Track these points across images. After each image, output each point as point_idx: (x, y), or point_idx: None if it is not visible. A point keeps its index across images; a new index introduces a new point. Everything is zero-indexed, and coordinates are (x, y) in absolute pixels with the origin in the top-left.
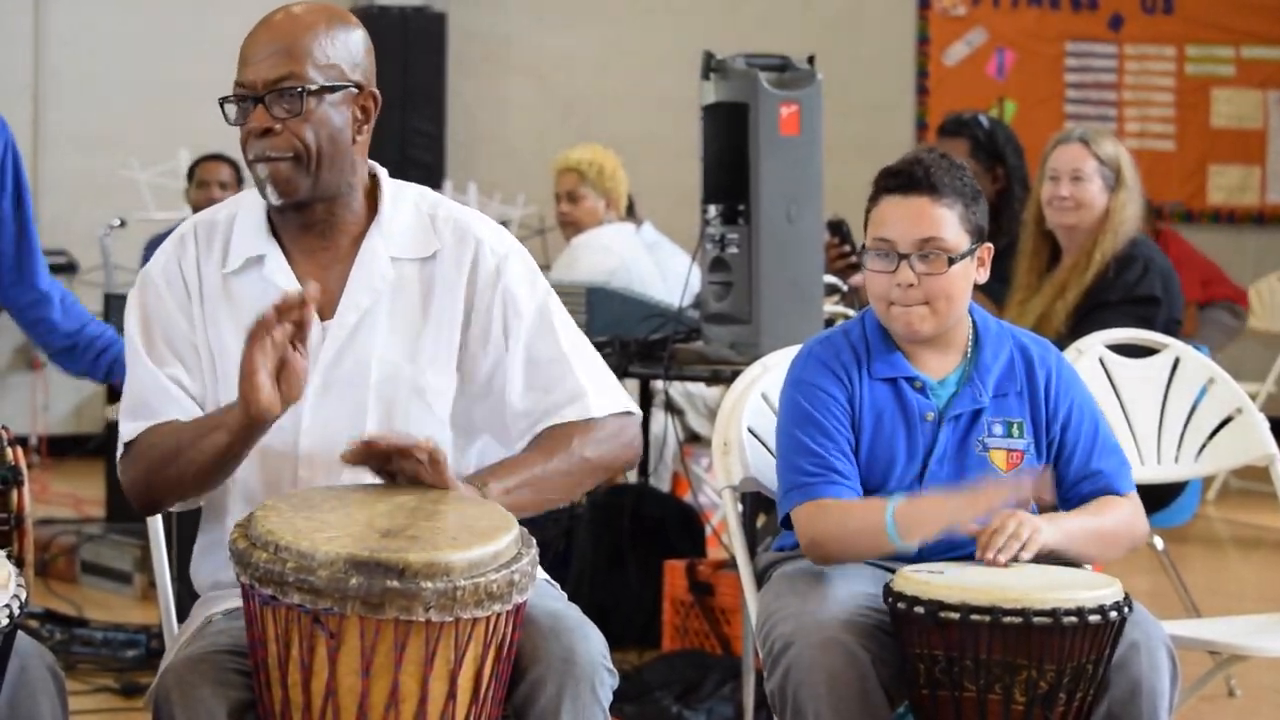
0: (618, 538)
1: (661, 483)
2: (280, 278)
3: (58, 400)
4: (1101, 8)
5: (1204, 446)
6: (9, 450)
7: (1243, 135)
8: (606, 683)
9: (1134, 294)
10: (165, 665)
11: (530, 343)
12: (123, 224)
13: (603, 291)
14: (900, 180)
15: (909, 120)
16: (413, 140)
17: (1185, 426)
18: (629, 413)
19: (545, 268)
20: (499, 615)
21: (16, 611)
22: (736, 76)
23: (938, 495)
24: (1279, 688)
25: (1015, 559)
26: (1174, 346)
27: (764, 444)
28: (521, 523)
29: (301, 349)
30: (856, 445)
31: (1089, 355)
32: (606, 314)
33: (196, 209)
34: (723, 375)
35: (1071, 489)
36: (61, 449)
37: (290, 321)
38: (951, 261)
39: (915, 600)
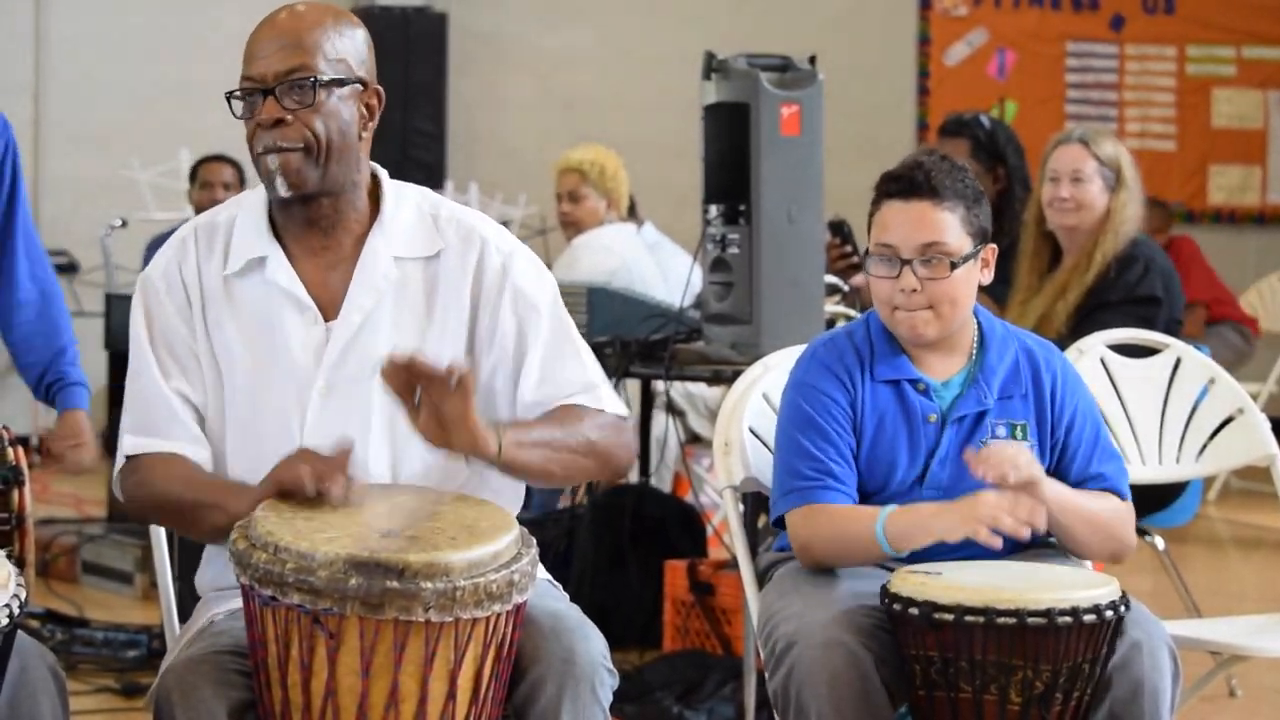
0: (619, 538)
1: (663, 483)
2: (282, 278)
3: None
4: (1102, 8)
5: (1205, 446)
6: (10, 450)
7: (1243, 135)
8: (607, 683)
9: (1135, 294)
10: (166, 665)
11: (548, 341)
12: (124, 224)
13: (604, 292)
14: (901, 185)
15: (910, 120)
16: (414, 140)
17: (1186, 426)
18: (625, 417)
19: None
20: (499, 615)
21: (17, 611)
22: (737, 77)
23: (929, 506)
24: None
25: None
26: (1175, 346)
27: (765, 444)
28: (521, 523)
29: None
30: (858, 447)
31: (1090, 355)
32: (607, 314)
33: (199, 210)
34: (724, 375)
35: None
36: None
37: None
38: (954, 266)
39: (910, 601)
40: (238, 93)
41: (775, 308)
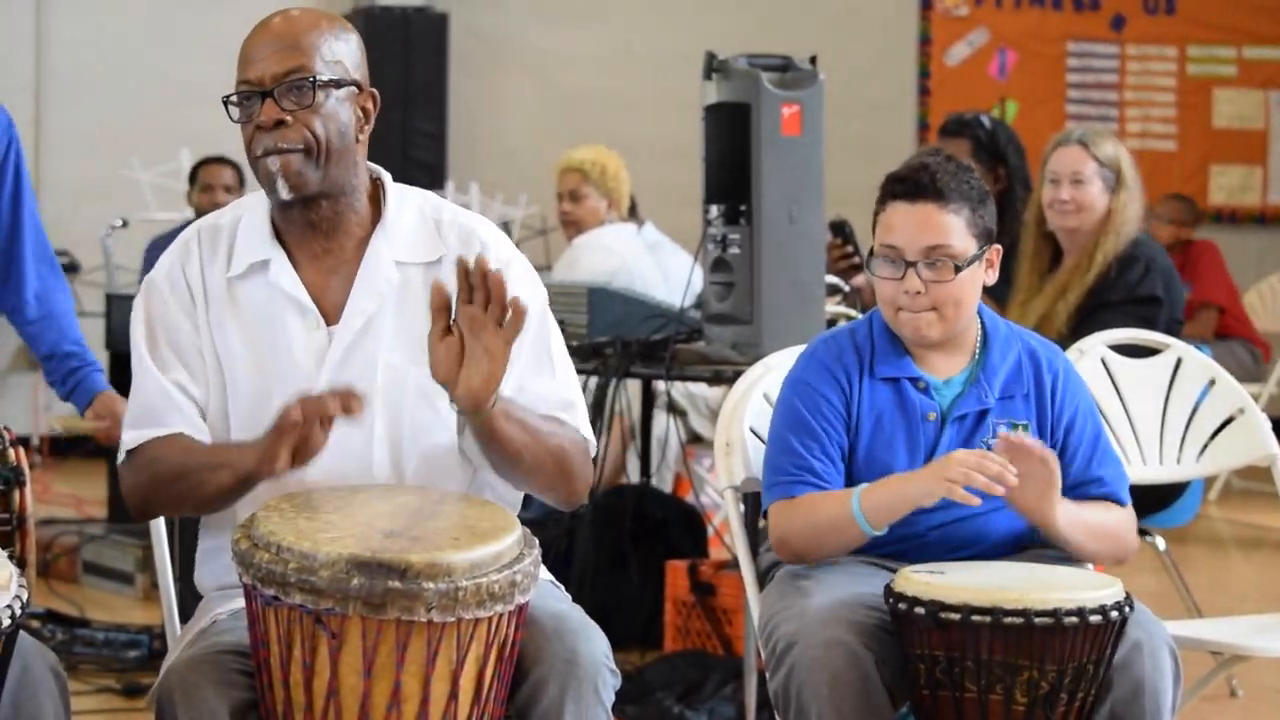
0: (620, 538)
1: (664, 483)
2: (285, 282)
3: (60, 400)
4: (1103, 8)
5: (1206, 446)
6: (11, 451)
7: (1244, 135)
8: (609, 683)
9: (1136, 294)
10: (168, 665)
11: (530, 354)
12: (124, 224)
13: (604, 292)
14: (907, 187)
15: (911, 120)
16: (414, 141)
17: (1187, 427)
18: (592, 445)
19: (547, 268)
20: (501, 616)
21: (18, 612)
22: (738, 77)
23: (900, 475)
24: None
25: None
26: (1176, 347)
27: (766, 444)
28: (523, 523)
29: (328, 428)
30: (855, 446)
31: (1091, 355)
32: (608, 314)
33: (200, 212)
34: (724, 376)
35: (1072, 492)
36: (63, 449)
37: (333, 413)
38: (959, 269)
39: (916, 601)
40: (234, 97)
41: (776, 308)
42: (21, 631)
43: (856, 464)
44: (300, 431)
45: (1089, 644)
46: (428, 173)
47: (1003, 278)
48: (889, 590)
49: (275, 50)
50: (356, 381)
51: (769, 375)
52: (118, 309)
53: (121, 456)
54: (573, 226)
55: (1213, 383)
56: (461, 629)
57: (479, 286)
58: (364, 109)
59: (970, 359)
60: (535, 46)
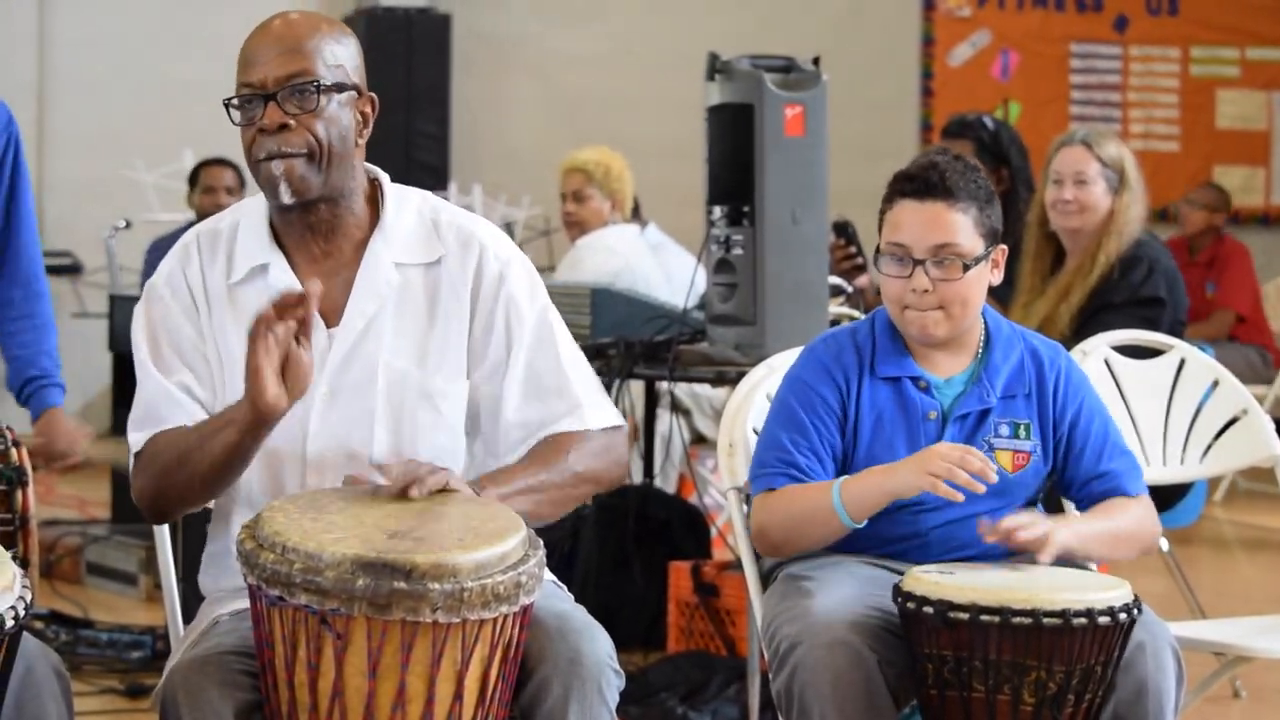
0: (623, 539)
1: (667, 484)
2: (285, 285)
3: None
4: (1106, 9)
5: (1209, 448)
6: (13, 451)
7: (1247, 136)
8: (613, 684)
9: (1139, 295)
10: (171, 666)
11: (530, 354)
12: (128, 225)
13: (607, 292)
14: (916, 185)
15: (914, 121)
16: (417, 142)
17: (1190, 428)
18: (617, 426)
19: (550, 269)
20: (506, 617)
21: (22, 613)
22: (741, 78)
23: (881, 467)
24: None
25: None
26: (1179, 348)
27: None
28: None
29: (306, 344)
30: (855, 445)
31: (1094, 357)
32: (611, 315)
33: (201, 214)
34: (727, 376)
35: (1082, 489)
36: None
37: (292, 319)
38: (966, 268)
39: (924, 600)
40: (235, 100)
41: (779, 309)
42: (25, 632)
43: (857, 463)
44: (280, 346)
45: (1097, 645)
46: (431, 174)
47: (1005, 278)
48: (897, 589)
49: (277, 53)
50: (357, 383)
51: (772, 376)
52: (121, 310)
53: (131, 462)
54: (576, 227)
55: (1216, 384)
56: (466, 630)
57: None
58: (363, 113)
59: (973, 358)
60: (538, 47)
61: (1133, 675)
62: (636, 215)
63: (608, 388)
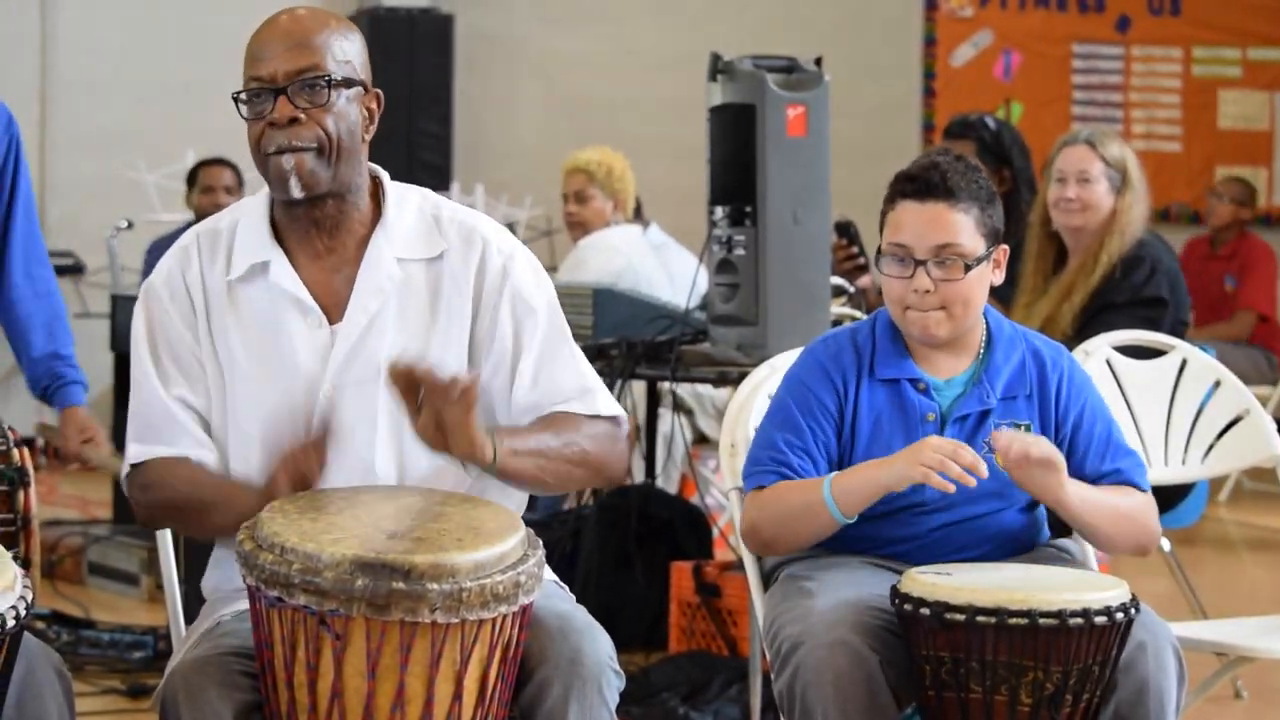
0: (624, 539)
1: (669, 484)
2: (286, 282)
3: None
4: (1108, 9)
5: (1210, 448)
6: (15, 452)
7: (1250, 137)
8: (613, 684)
9: (1141, 295)
10: (172, 667)
11: (543, 344)
12: (130, 226)
13: (609, 293)
14: (917, 185)
15: (915, 122)
16: (420, 142)
17: (1192, 428)
18: (621, 421)
19: (552, 269)
20: (505, 617)
21: (23, 613)
22: (743, 78)
23: (873, 461)
24: None
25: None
26: (1181, 348)
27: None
28: (527, 524)
29: (323, 461)
30: (853, 447)
31: (1096, 357)
32: (613, 315)
33: (200, 214)
34: (729, 377)
35: None
36: None
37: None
38: (968, 268)
39: (921, 602)
40: (244, 94)
41: (781, 309)
42: (26, 632)
43: (854, 464)
44: (299, 469)
45: (1094, 645)
46: (433, 174)
47: (1007, 279)
48: (895, 591)
49: (287, 48)
50: (360, 380)
51: (774, 376)
52: (122, 310)
53: (125, 469)
54: (578, 228)
55: (1218, 384)
56: (466, 630)
57: (410, 382)
58: (369, 109)
59: (974, 359)
60: (540, 48)
61: (1134, 675)
62: (639, 215)
63: (610, 388)
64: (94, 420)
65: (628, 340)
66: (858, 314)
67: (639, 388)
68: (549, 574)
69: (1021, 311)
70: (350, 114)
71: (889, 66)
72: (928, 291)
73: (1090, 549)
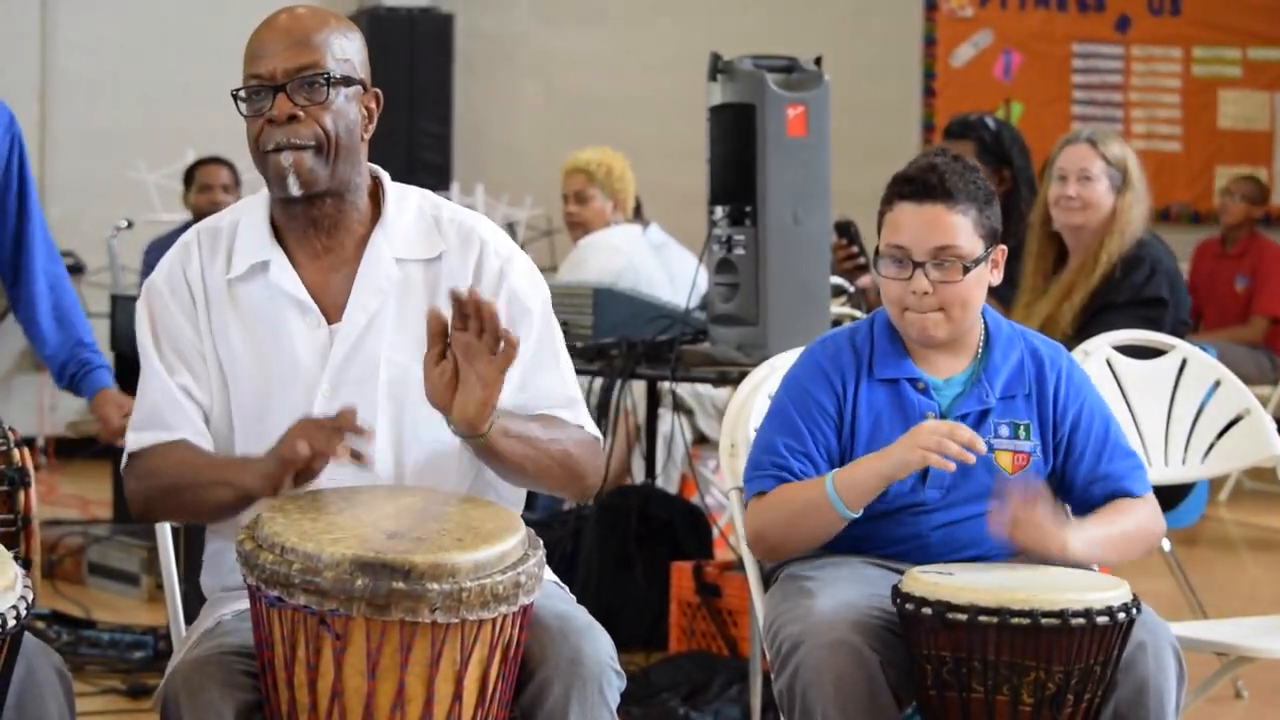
0: (625, 539)
1: (669, 484)
2: (285, 281)
3: (65, 401)
4: (1108, 9)
5: (1211, 448)
6: (16, 452)
7: (1250, 137)
8: (614, 684)
9: (1141, 295)
10: (173, 666)
11: (535, 347)
12: (130, 225)
13: (610, 292)
14: (915, 187)
15: (916, 121)
16: (420, 142)
17: (1192, 428)
18: (599, 439)
19: (552, 269)
20: (505, 617)
21: (23, 613)
22: (743, 78)
23: (870, 455)
24: None
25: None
26: (1181, 348)
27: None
28: (528, 524)
29: (326, 460)
30: (853, 447)
31: (1096, 357)
32: (614, 315)
33: (198, 212)
34: (730, 377)
35: (1084, 491)
36: (68, 450)
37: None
38: (966, 269)
39: (923, 601)
40: (243, 91)
41: (781, 309)
42: (26, 633)
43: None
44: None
45: (1096, 645)
46: (433, 174)
47: (1007, 279)
48: (896, 590)
49: (286, 45)
50: (358, 379)
51: (774, 376)
52: (122, 310)
53: (125, 460)
54: (578, 228)
55: (1218, 384)
56: (466, 630)
57: (473, 315)
58: (368, 108)
59: (973, 359)
60: (540, 47)
61: (1134, 675)
62: (639, 215)
63: (610, 388)
64: (124, 398)
65: (628, 340)
66: (858, 314)
67: (639, 388)
68: (549, 574)
69: (1022, 311)
70: (349, 112)
71: (889, 66)
72: (926, 293)
73: None
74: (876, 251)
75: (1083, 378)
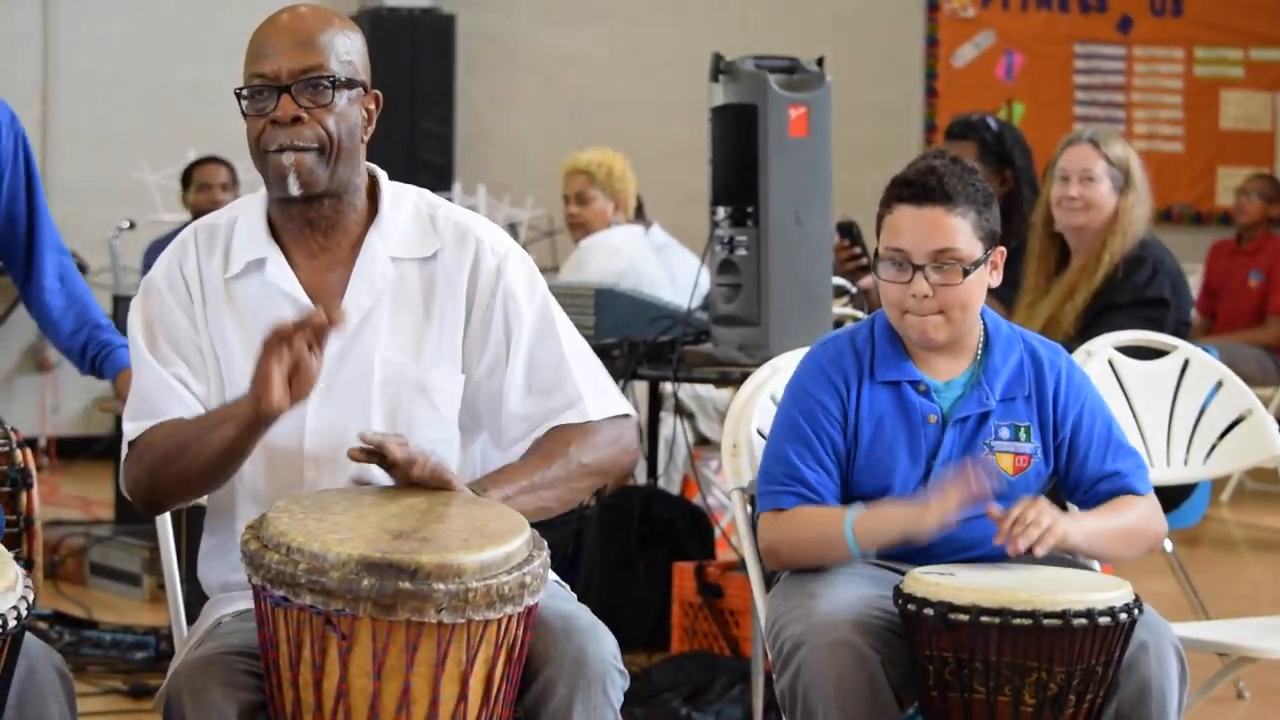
0: (627, 540)
1: (671, 485)
2: (282, 281)
3: (67, 402)
4: (1110, 10)
5: (1213, 448)
6: (18, 452)
7: (1251, 137)
8: (618, 684)
9: (1143, 295)
10: (175, 666)
11: (531, 346)
12: (132, 226)
13: (611, 293)
14: (914, 190)
15: (918, 122)
16: (422, 142)
17: (1194, 428)
18: (626, 415)
19: (554, 269)
20: (510, 617)
21: (24, 613)
22: (745, 78)
23: (895, 502)
24: None
25: (1032, 549)
26: (1183, 348)
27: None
28: (531, 525)
29: (318, 352)
30: (855, 449)
31: (1098, 357)
32: (615, 315)
33: (198, 212)
34: (731, 377)
35: (1088, 491)
36: (70, 451)
37: (310, 336)
38: (966, 272)
39: (925, 602)
40: (246, 90)
41: (783, 309)
42: (28, 633)
43: (856, 467)
44: (292, 355)
45: (1098, 646)
46: (435, 174)
47: (1010, 280)
48: (898, 591)
49: (291, 46)
50: (353, 378)
51: (776, 377)
52: (124, 310)
53: (124, 451)
54: (580, 228)
55: (1220, 384)
56: (471, 630)
57: (380, 462)
58: (368, 110)
59: (972, 361)
60: (542, 48)
61: (1136, 675)
62: (640, 216)
63: None
64: None
65: (630, 341)
66: (859, 314)
67: (640, 388)
68: (552, 574)
69: (1024, 312)
70: (352, 115)
71: (891, 67)
72: (926, 296)
73: None
74: (876, 253)
75: (1082, 378)
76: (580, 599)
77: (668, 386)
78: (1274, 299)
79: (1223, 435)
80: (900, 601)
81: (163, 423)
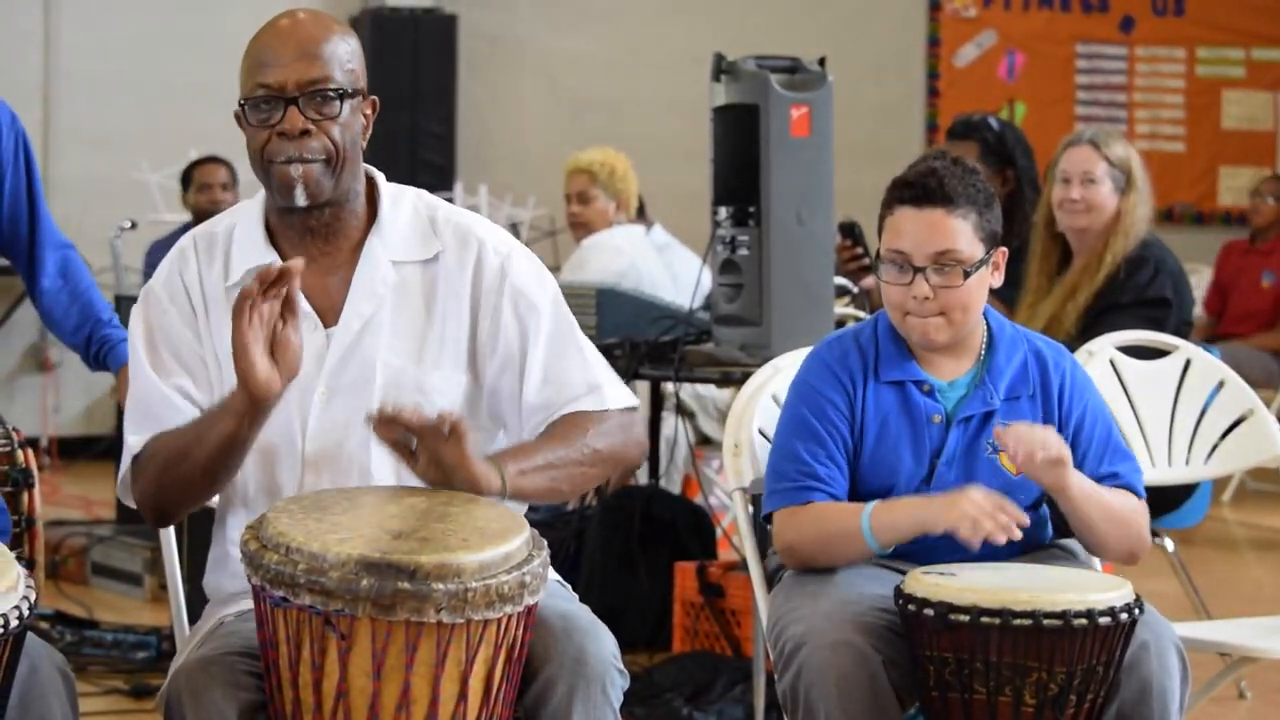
0: (628, 539)
1: (672, 485)
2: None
3: (68, 402)
4: (1112, 9)
5: (1214, 448)
6: (19, 452)
7: (1253, 137)
8: (618, 684)
9: (1145, 296)
10: (176, 667)
11: (549, 339)
12: (133, 226)
13: (613, 293)
14: (915, 191)
15: (919, 122)
16: (423, 142)
17: (1196, 428)
18: (635, 408)
19: (555, 269)
20: (510, 617)
21: (26, 613)
22: (747, 78)
23: (913, 499)
24: None
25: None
26: (1185, 348)
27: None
28: (531, 524)
29: (293, 326)
30: (860, 448)
31: (1100, 357)
32: (617, 315)
33: (197, 212)
34: (733, 377)
35: None
36: (72, 451)
37: (276, 297)
38: (967, 273)
39: (925, 602)
40: (250, 101)
41: (785, 309)
42: (29, 633)
43: (861, 467)
44: (265, 325)
45: (1098, 646)
46: (437, 174)
47: (1011, 280)
48: (898, 591)
49: (295, 57)
50: (355, 383)
51: (778, 377)
52: (126, 311)
53: (127, 463)
54: (581, 228)
55: (1222, 384)
56: (471, 630)
57: (400, 430)
58: (366, 115)
59: (975, 361)
60: (544, 48)
61: (1137, 675)
62: (642, 216)
63: None
64: None
65: (631, 340)
66: (861, 314)
67: (642, 388)
68: (552, 574)
69: (1026, 312)
70: (355, 124)
71: (893, 67)
72: (927, 298)
73: None
74: (877, 254)
75: (1085, 379)
76: (582, 599)
77: (669, 386)
78: None
79: (1224, 435)
80: (900, 602)
81: (163, 432)
